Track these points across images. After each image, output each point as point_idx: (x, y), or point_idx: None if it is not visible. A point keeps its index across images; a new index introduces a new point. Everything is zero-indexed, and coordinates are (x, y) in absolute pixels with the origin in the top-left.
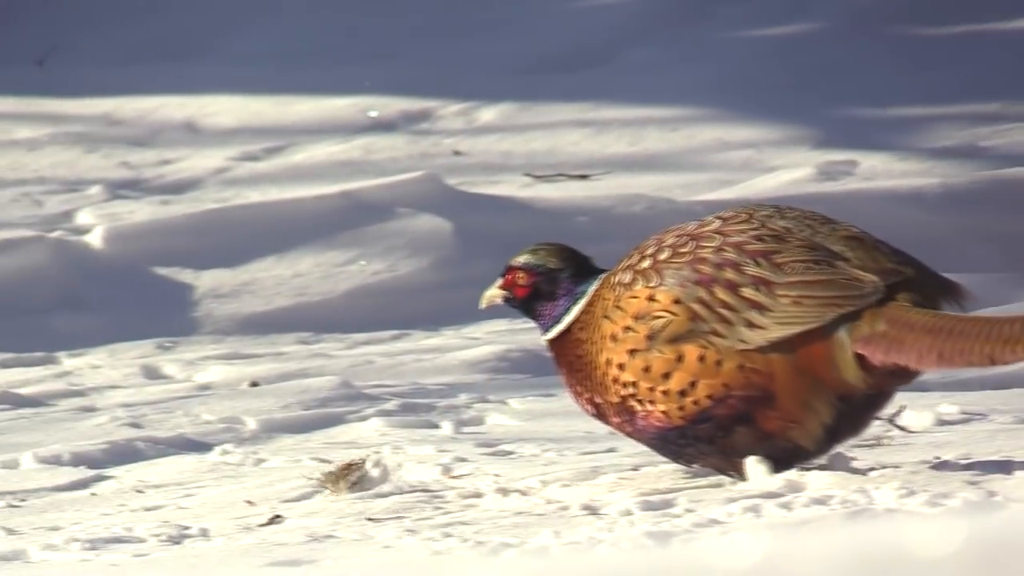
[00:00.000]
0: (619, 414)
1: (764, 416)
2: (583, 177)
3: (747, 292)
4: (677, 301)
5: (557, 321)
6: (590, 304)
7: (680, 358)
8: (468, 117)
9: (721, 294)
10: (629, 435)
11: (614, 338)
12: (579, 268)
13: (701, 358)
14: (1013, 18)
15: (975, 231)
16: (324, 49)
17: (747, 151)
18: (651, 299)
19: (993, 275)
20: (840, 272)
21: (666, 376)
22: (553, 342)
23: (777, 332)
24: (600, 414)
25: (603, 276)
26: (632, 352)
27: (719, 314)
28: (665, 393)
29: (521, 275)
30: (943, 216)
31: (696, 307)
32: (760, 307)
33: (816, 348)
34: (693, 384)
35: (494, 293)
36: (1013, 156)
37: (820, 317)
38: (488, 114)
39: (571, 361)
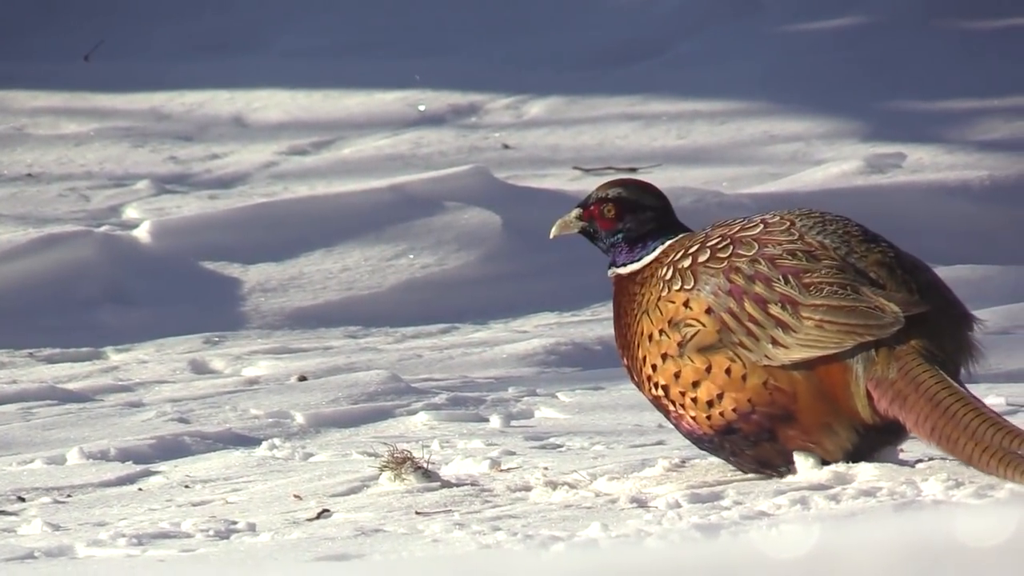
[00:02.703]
0: (654, 407)
1: (786, 435)
2: (631, 170)
3: (774, 309)
4: (709, 311)
5: (632, 262)
6: (656, 261)
7: (708, 368)
8: (517, 111)
9: (750, 308)
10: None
11: (650, 338)
12: (665, 213)
13: (728, 371)
14: None
15: (1022, 223)
16: (373, 44)
17: (795, 144)
18: (686, 305)
19: None
20: (864, 300)
21: (695, 384)
22: (619, 278)
23: (798, 353)
24: (630, 370)
25: (679, 237)
26: (664, 356)
27: (747, 327)
28: (694, 401)
29: (610, 207)
30: (990, 208)
31: (726, 317)
32: (785, 326)
33: (836, 375)
34: (720, 396)
35: (570, 222)
36: None
37: (839, 344)
38: (536, 108)
39: (621, 305)
